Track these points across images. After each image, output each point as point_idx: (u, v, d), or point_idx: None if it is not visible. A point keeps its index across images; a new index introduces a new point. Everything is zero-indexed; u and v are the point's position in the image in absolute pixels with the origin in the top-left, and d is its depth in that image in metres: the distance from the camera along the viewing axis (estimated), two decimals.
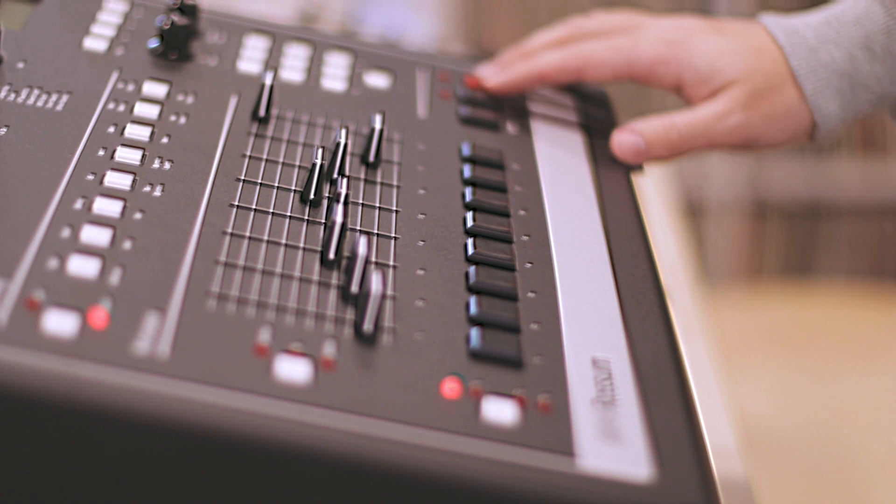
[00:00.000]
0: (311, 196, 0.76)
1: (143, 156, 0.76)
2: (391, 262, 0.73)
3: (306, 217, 0.75)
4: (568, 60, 0.91)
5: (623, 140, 0.89)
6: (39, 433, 0.59)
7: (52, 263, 0.65)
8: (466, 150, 0.85)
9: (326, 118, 0.86)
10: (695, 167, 2.53)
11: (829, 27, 0.89)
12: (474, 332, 0.68)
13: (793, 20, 0.91)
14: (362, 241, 0.69)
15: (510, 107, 0.92)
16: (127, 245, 0.68)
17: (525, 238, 0.77)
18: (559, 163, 0.87)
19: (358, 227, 0.75)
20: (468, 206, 0.79)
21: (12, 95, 0.78)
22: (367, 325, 0.66)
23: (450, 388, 0.65)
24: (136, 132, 0.78)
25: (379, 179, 0.80)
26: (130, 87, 0.83)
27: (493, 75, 0.93)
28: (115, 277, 0.66)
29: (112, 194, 0.72)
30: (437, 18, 1.79)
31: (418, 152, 0.84)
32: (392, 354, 0.66)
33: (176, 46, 0.88)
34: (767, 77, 0.89)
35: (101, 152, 0.75)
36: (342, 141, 0.78)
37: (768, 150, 0.92)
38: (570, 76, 0.91)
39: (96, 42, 0.87)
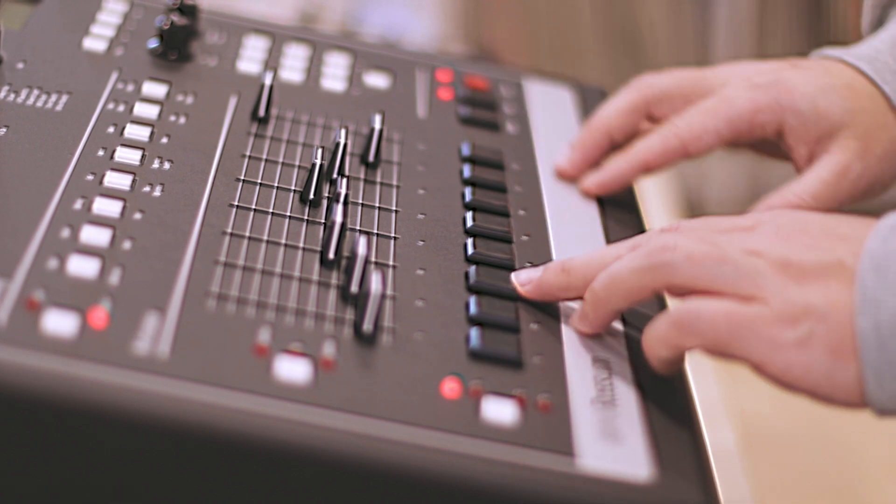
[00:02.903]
0: (311, 196, 0.76)
1: (143, 156, 0.76)
2: (391, 262, 0.73)
3: (306, 217, 0.75)
4: (668, 143, 0.83)
5: None
6: (39, 433, 0.59)
7: (52, 263, 0.65)
8: (466, 150, 0.85)
9: (326, 118, 0.85)
10: (695, 167, 2.54)
11: None
12: (474, 332, 0.68)
13: (860, 49, 0.86)
14: (362, 241, 0.69)
15: (510, 107, 0.92)
16: (127, 245, 0.68)
17: (525, 238, 0.77)
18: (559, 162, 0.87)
19: (358, 227, 0.75)
20: (468, 206, 0.79)
21: (12, 95, 0.78)
22: (367, 325, 0.66)
23: (450, 388, 0.65)
24: (135, 132, 0.78)
25: (379, 179, 0.80)
26: (130, 88, 0.83)
27: (592, 179, 0.84)
28: (114, 277, 0.66)
29: (112, 194, 0.72)
30: (437, 18, 1.80)
31: (418, 152, 0.84)
32: (392, 354, 0.66)
33: (176, 46, 0.88)
34: (870, 114, 0.83)
35: (101, 152, 0.75)
36: (342, 141, 0.78)
37: (881, 193, 0.85)
38: (674, 158, 0.84)
39: (96, 42, 0.87)
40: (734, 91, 0.83)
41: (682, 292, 0.67)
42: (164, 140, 0.78)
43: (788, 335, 0.64)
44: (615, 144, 0.86)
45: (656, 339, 0.67)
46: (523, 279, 0.73)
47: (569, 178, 0.85)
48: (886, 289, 0.63)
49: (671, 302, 0.70)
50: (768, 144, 0.86)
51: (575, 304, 0.72)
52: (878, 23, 0.89)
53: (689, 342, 0.66)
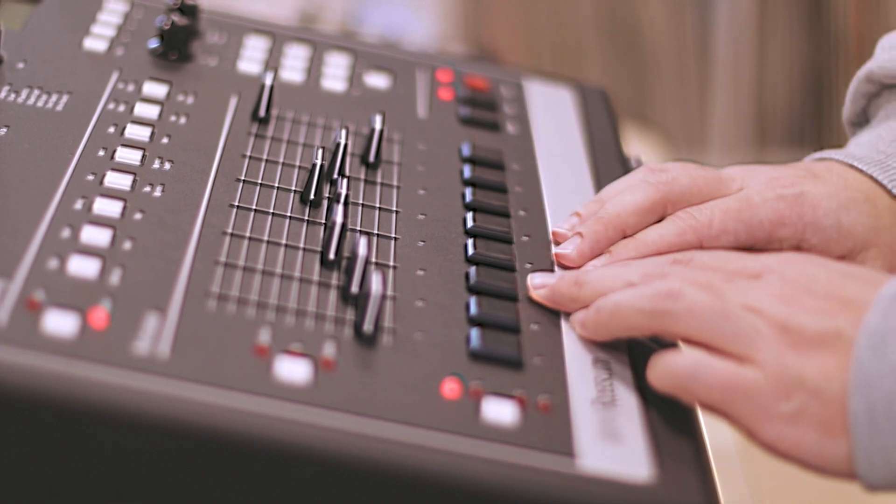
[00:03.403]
0: (311, 196, 0.76)
1: (144, 156, 0.76)
2: (391, 263, 0.73)
3: (306, 217, 0.75)
4: (685, 237, 0.76)
5: None
6: (39, 433, 0.59)
7: (53, 263, 0.65)
8: (466, 151, 0.85)
9: (326, 118, 0.85)
10: None
11: None
12: (474, 333, 0.68)
13: (865, 152, 0.81)
14: (362, 242, 0.69)
15: (510, 107, 0.92)
16: (127, 245, 0.68)
17: (525, 238, 0.77)
18: (559, 163, 0.87)
19: (358, 228, 0.75)
20: (468, 207, 0.79)
21: (12, 95, 0.78)
22: (367, 326, 0.66)
23: (450, 388, 0.65)
24: (136, 132, 0.78)
25: (379, 180, 0.80)
26: (130, 88, 0.83)
27: (599, 263, 0.76)
28: (115, 277, 0.66)
29: (112, 194, 0.72)
30: (437, 18, 1.80)
31: (418, 152, 0.84)
32: (392, 355, 0.66)
33: (176, 46, 0.88)
34: (892, 230, 0.78)
35: (102, 152, 0.75)
36: (342, 141, 0.78)
37: None
38: (688, 247, 0.77)
39: (96, 42, 0.87)
40: (758, 196, 0.78)
41: (681, 339, 0.67)
42: (165, 140, 0.78)
43: (781, 408, 0.63)
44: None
45: (659, 386, 0.67)
46: (538, 283, 0.73)
47: (571, 267, 0.76)
48: (882, 369, 0.62)
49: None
50: None
51: None
52: (862, 114, 0.86)
53: (684, 397, 0.66)
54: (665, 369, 0.66)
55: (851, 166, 0.80)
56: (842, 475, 0.64)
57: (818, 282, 0.66)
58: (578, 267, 0.76)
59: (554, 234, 0.78)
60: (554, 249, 0.77)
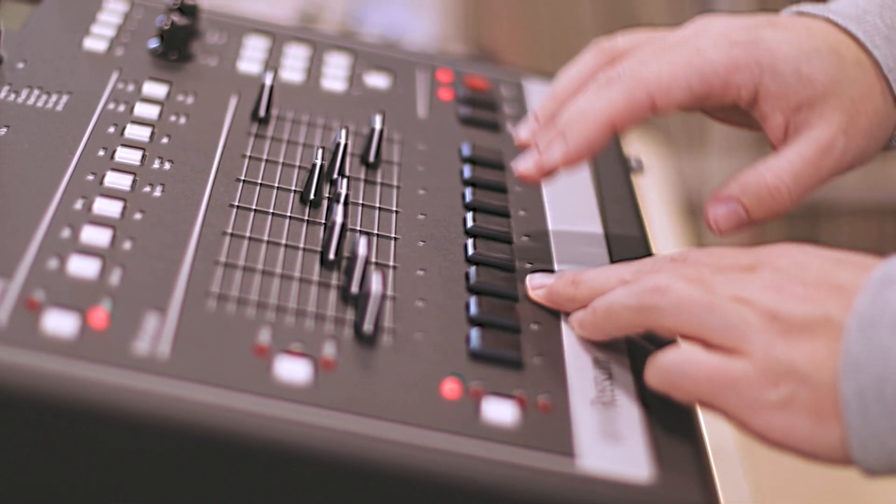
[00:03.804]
0: (311, 196, 0.76)
1: (144, 156, 0.76)
2: (391, 263, 0.73)
3: (306, 217, 0.75)
4: (634, 96, 0.73)
5: (719, 214, 0.75)
6: (39, 433, 0.59)
7: (52, 263, 0.65)
8: (466, 151, 0.85)
9: (326, 118, 0.85)
10: (695, 167, 2.53)
11: (889, 7, 0.77)
12: (474, 333, 0.68)
13: (842, 6, 0.78)
14: (362, 242, 0.69)
15: (510, 107, 0.92)
16: (127, 245, 0.68)
17: (525, 238, 0.77)
18: None
19: (358, 228, 0.75)
20: (468, 207, 0.79)
21: (12, 95, 0.78)
22: (367, 326, 0.66)
23: (450, 388, 0.65)
24: (136, 132, 0.78)
25: (379, 180, 0.80)
26: (130, 88, 0.83)
27: (557, 150, 0.74)
28: (115, 277, 0.66)
29: (112, 194, 0.72)
30: (437, 18, 1.79)
31: (418, 152, 0.84)
32: (392, 355, 0.66)
33: (176, 46, 0.88)
34: (856, 84, 0.75)
35: (101, 152, 0.75)
36: (342, 141, 0.78)
37: (861, 167, 0.78)
38: (641, 113, 0.74)
39: (96, 42, 0.87)
40: (708, 44, 0.74)
41: (673, 334, 0.67)
42: (165, 140, 0.78)
43: (770, 396, 0.63)
44: None
45: (650, 383, 0.66)
46: (536, 283, 0.73)
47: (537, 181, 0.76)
48: (871, 353, 0.61)
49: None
50: (735, 111, 0.79)
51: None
52: None
53: (674, 394, 0.65)
54: (655, 366, 0.66)
55: (826, 19, 0.77)
56: (836, 461, 0.63)
57: (810, 270, 0.65)
58: (566, 164, 0.74)
59: (516, 139, 0.78)
60: (512, 163, 0.76)
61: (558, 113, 0.77)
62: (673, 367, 0.65)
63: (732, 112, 0.80)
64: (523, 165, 0.75)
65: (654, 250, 0.80)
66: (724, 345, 0.64)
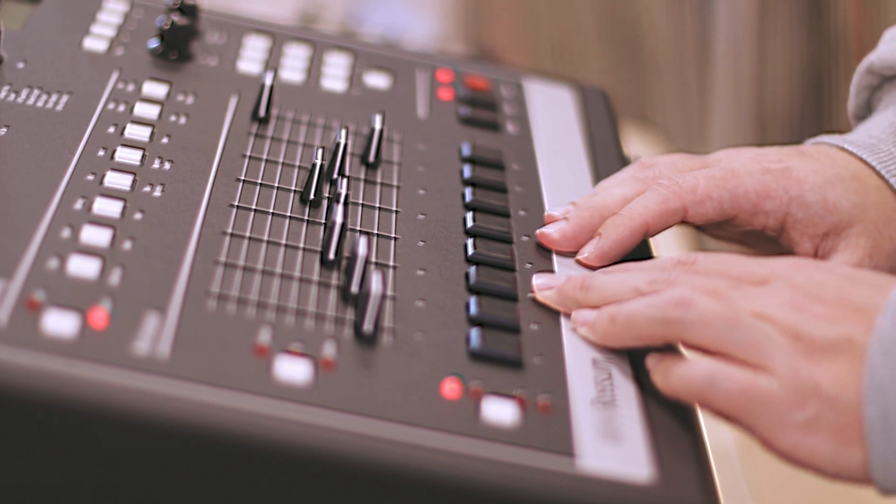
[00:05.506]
0: (311, 196, 0.76)
1: (143, 156, 0.76)
2: (391, 263, 0.73)
3: (306, 217, 0.75)
4: (669, 204, 0.76)
5: None
6: (39, 433, 0.59)
7: (52, 263, 0.65)
8: (466, 151, 0.85)
9: (326, 118, 0.86)
10: None
11: None
12: (474, 333, 0.68)
13: (858, 136, 0.82)
14: (362, 242, 0.69)
15: (510, 107, 0.92)
16: (127, 245, 0.68)
17: (525, 238, 0.77)
18: (559, 163, 0.87)
19: (358, 228, 0.75)
20: (468, 207, 0.79)
21: (12, 95, 0.78)
22: (367, 326, 0.66)
23: (450, 388, 0.65)
24: (136, 132, 0.78)
25: (379, 180, 0.80)
26: (130, 88, 0.83)
27: (591, 250, 0.76)
28: (115, 277, 0.66)
29: (112, 194, 0.72)
30: (437, 18, 1.79)
31: (418, 152, 0.84)
32: (392, 355, 0.66)
33: (176, 46, 0.88)
34: (878, 209, 0.79)
35: (101, 152, 0.75)
36: (342, 141, 0.78)
37: None
38: (673, 221, 0.77)
39: (96, 42, 0.87)
40: (744, 168, 0.78)
41: (695, 349, 0.67)
42: (165, 140, 0.78)
43: (797, 417, 0.64)
44: None
45: (672, 394, 0.67)
46: (543, 284, 0.73)
47: (557, 249, 0.77)
48: (894, 376, 0.62)
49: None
50: (760, 237, 0.83)
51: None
52: (866, 106, 0.86)
53: (702, 405, 0.66)
54: (680, 378, 0.66)
55: (842, 148, 0.80)
56: (858, 481, 0.64)
57: (826, 288, 0.66)
58: (564, 249, 0.77)
59: (546, 216, 0.79)
60: (539, 230, 0.77)
61: (591, 227, 0.78)
62: (703, 380, 0.65)
63: (760, 238, 0.83)
64: (549, 230, 0.77)
65: (653, 249, 0.80)
66: (747, 360, 0.65)
